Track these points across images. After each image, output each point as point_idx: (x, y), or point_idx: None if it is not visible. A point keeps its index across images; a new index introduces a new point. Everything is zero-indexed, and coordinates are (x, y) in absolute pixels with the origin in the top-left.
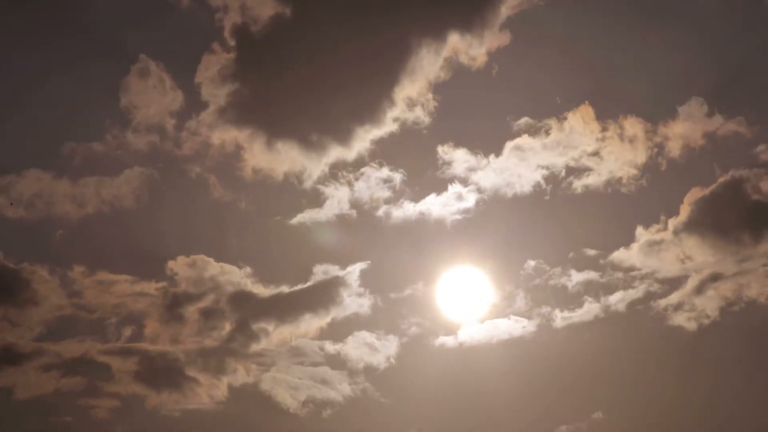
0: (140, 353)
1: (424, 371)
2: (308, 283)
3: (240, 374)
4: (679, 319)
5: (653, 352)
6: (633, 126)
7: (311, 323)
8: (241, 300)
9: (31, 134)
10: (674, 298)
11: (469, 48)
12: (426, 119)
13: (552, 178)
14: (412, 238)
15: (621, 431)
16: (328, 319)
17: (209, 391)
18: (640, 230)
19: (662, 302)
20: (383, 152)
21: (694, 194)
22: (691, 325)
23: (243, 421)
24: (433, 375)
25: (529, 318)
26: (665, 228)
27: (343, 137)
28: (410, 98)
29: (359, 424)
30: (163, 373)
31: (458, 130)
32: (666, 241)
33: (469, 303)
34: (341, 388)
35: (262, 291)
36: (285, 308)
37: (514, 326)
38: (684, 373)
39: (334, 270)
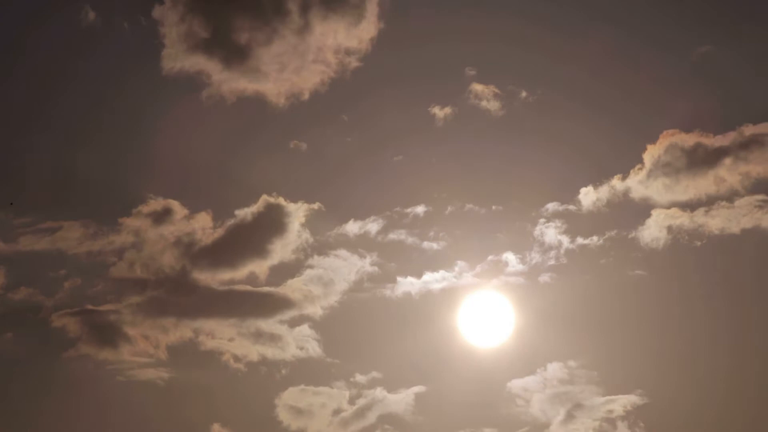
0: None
1: (371, 321)
2: (254, 219)
3: (184, 331)
4: (640, 265)
5: (611, 300)
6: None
7: (253, 268)
8: (188, 250)
9: None
10: (636, 240)
11: None
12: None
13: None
14: (365, 178)
15: (577, 383)
16: (274, 262)
17: (153, 353)
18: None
19: (624, 247)
20: (340, 92)
21: (664, 138)
22: (654, 274)
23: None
24: (380, 324)
25: (479, 265)
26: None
27: (300, 71)
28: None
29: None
30: (103, 333)
31: (418, 69)
32: (632, 186)
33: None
34: (286, 344)
35: (210, 235)
36: (227, 254)
37: (464, 274)
38: (646, 320)
39: (286, 209)
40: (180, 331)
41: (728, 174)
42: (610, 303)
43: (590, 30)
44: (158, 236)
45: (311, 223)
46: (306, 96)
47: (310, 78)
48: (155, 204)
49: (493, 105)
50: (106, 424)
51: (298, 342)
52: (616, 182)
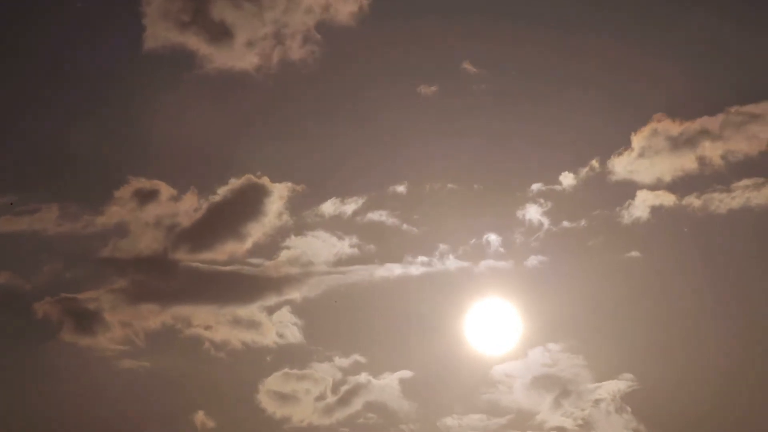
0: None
1: (353, 305)
2: (235, 200)
3: (165, 318)
4: (629, 247)
5: (598, 283)
6: None
7: (233, 251)
8: (170, 233)
9: None
10: (624, 222)
11: None
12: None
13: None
14: (349, 157)
15: (565, 368)
16: (255, 244)
17: (134, 340)
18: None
19: (612, 229)
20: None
21: (653, 121)
22: (643, 256)
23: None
24: (363, 309)
25: (461, 248)
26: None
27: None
28: None
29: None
30: (83, 320)
31: (406, 46)
32: (620, 168)
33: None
34: (267, 330)
35: (192, 217)
36: (208, 237)
37: (446, 257)
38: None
39: (268, 188)
40: (161, 317)
41: (717, 156)
42: (598, 286)
43: (583, 13)
44: (140, 218)
45: (293, 203)
46: (292, 73)
47: (296, 55)
48: (138, 184)
49: (481, 85)
50: (88, 414)
51: (278, 327)
52: (604, 164)
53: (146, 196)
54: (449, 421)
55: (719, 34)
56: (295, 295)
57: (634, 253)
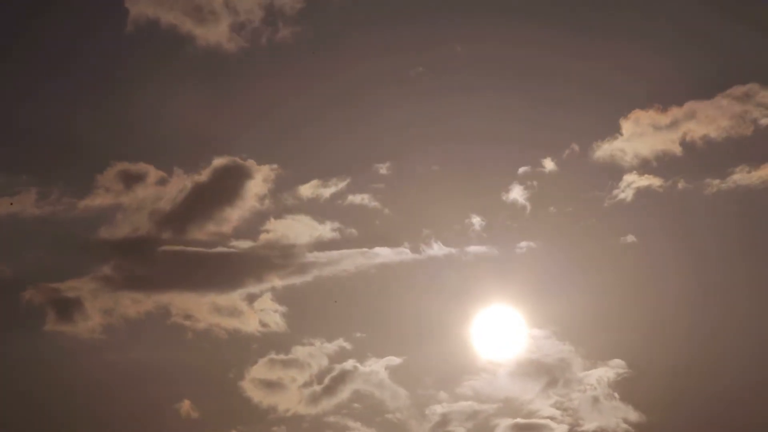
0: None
1: (340, 291)
2: (218, 184)
3: (148, 305)
4: (619, 231)
5: (587, 267)
6: None
7: (216, 236)
8: (151, 217)
9: None
10: (613, 206)
11: None
12: None
13: None
14: (335, 139)
15: (554, 354)
16: (237, 228)
17: (117, 328)
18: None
19: (601, 213)
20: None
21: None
22: (630, 238)
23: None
24: (349, 296)
25: (446, 232)
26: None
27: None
28: None
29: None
30: (66, 310)
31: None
32: (610, 152)
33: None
34: (249, 318)
35: (172, 201)
36: (190, 222)
37: (431, 241)
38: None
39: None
40: (145, 306)
41: (704, 140)
42: (587, 270)
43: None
44: (122, 202)
45: (276, 185)
46: (282, 51)
47: (283, 36)
48: (120, 167)
49: (468, 67)
50: (73, 403)
51: (261, 315)
52: (592, 149)
53: (129, 180)
54: (438, 408)
55: (704, 19)
56: (276, 281)
57: (630, 238)
